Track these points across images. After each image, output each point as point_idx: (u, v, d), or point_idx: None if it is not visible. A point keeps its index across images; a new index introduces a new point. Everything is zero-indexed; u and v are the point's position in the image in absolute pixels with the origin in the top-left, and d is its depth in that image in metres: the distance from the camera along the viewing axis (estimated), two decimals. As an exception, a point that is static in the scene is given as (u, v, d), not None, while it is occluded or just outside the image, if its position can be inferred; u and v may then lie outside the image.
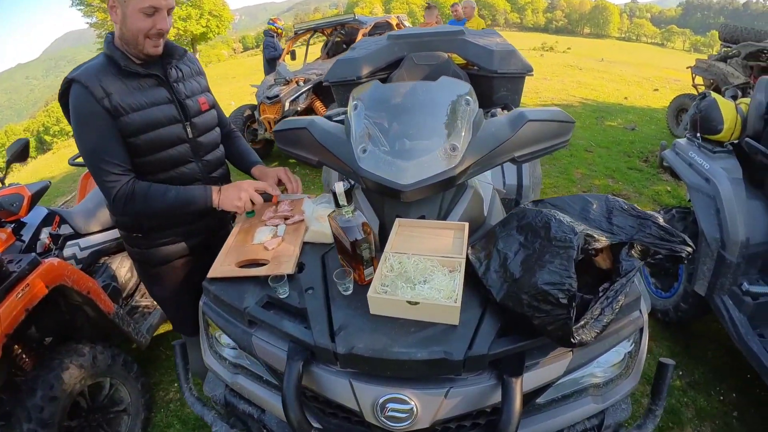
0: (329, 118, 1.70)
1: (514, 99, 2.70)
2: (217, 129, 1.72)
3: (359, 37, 5.79)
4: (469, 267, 1.16)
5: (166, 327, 2.95)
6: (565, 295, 0.93)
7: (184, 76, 1.57)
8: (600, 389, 1.19)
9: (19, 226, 2.31)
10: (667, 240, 1.09)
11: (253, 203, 1.50)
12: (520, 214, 1.19)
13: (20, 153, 2.33)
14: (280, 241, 1.41)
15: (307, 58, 7.16)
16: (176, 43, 1.58)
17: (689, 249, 1.09)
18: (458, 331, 1.04)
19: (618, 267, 1.05)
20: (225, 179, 1.75)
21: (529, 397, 1.07)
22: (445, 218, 1.35)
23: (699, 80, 6.08)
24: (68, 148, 11.65)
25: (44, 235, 2.39)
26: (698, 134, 2.51)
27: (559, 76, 11.16)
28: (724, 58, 5.51)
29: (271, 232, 1.47)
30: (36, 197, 2.25)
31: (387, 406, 1.01)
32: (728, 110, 2.38)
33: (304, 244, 1.42)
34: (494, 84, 2.62)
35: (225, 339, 1.35)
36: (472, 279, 1.14)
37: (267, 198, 1.58)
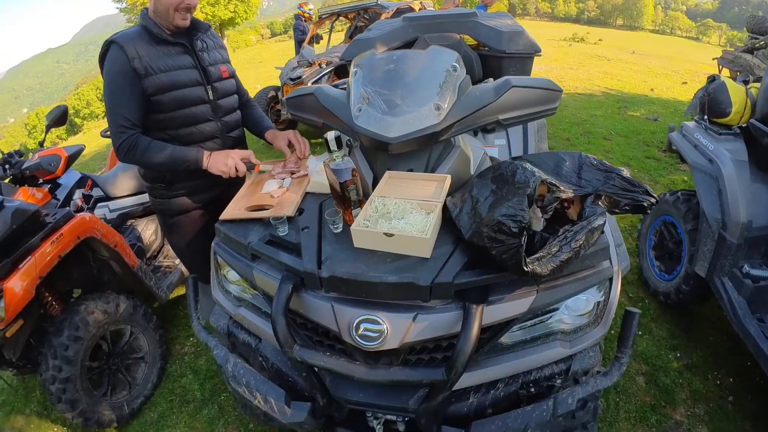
0: (336, 86, 1.83)
1: None
2: (236, 96, 1.93)
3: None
4: (446, 212, 1.27)
5: (184, 288, 3.14)
6: (517, 225, 1.02)
7: (208, 47, 1.79)
8: (568, 335, 1.28)
9: (55, 186, 2.53)
10: (629, 191, 1.18)
11: (237, 170, 1.68)
12: (496, 166, 1.29)
13: (59, 118, 2.54)
14: (285, 190, 1.58)
15: (330, 42, 7.29)
16: (200, 20, 1.80)
17: (652, 199, 1.17)
18: (429, 262, 1.16)
19: (582, 212, 1.15)
20: (241, 140, 1.97)
21: (494, 332, 1.18)
22: (432, 172, 1.45)
23: (726, 72, 5.94)
24: (98, 128, 12.09)
25: (77, 196, 2.61)
26: (705, 117, 2.51)
27: (586, 66, 10.96)
28: (750, 50, 5.39)
29: (278, 183, 1.64)
30: (72, 158, 2.47)
31: (361, 326, 1.14)
32: (737, 94, 2.37)
33: (306, 193, 1.58)
34: (503, 64, 2.69)
35: (232, 276, 1.52)
36: (449, 223, 1.26)
37: (250, 167, 1.75)
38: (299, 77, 5.44)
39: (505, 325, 1.18)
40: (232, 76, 1.90)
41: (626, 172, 1.21)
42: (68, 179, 2.60)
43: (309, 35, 6.87)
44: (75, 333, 2.07)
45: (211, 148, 1.78)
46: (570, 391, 1.21)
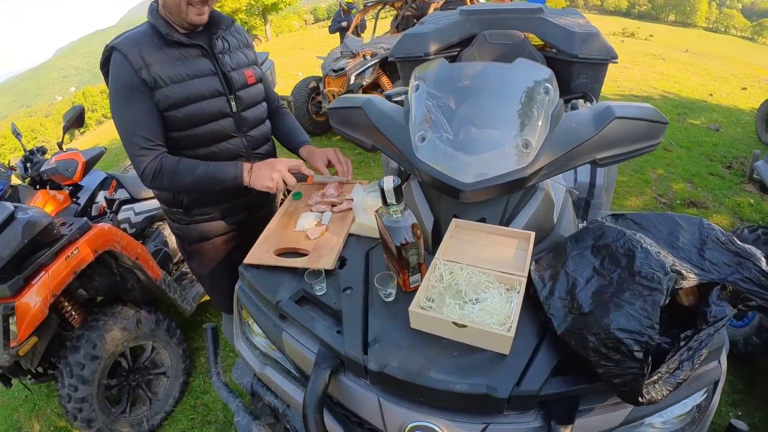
0: (389, 97, 1.55)
1: (594, 88, 2.41)
2: (264, 104, 1.63)
3: (430, 11, 5.52)
4: (530, 287, 1.00)
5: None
6: (642, 348, 0.77)
7: (231, 47, 1.48)
8: None
9: (76, 188, 2.39)
10: (766, 287, 0.88)
11: (285, 183, 1.40)
12: (598, 231, 1.00)
13: (76, 119, 2.40)
14: (324, 230, 1.32)
15: (375, 32, 6.98)
16: (223, 13, 1.50)
17: None
18: (507, 362, 0.90)
19: (705, 312, 0.85)
20: (270, 157, 1.65)
21: None
22: (508, 223, 1.18)
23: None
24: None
25: (100, 199, 2.46)
26: None
27: (640, 65, 10.28)
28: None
29: (315, 218, 1.38)
30: (90, 163, 2.30)
31: None
32: None
33: (349, 236, 1.31)
34: (573, 70, 2.36)
35: (258, 327, 1.28)
36: (532, 301, 0.98)
37: (301, 179, 1.47)
38: (342, 69, 5.18)
39: None
40: (260, 80, 1.58)
41: (764, 262, 0.92)
42: (91, 180, 2.45)
43: (353, 24, 6.57)
44: (92, 352, 1.95)
45: None
46: None
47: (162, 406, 2.33)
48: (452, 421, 0.89)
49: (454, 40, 2.58)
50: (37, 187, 2.26)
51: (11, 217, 1.71)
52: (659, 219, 1.04)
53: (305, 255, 1.24)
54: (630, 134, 1.11)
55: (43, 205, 2.17)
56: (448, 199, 1.18)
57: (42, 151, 2.38)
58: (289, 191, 1.47)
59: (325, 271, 1.15)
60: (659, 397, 0.80)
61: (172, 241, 2.76)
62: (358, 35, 6.87)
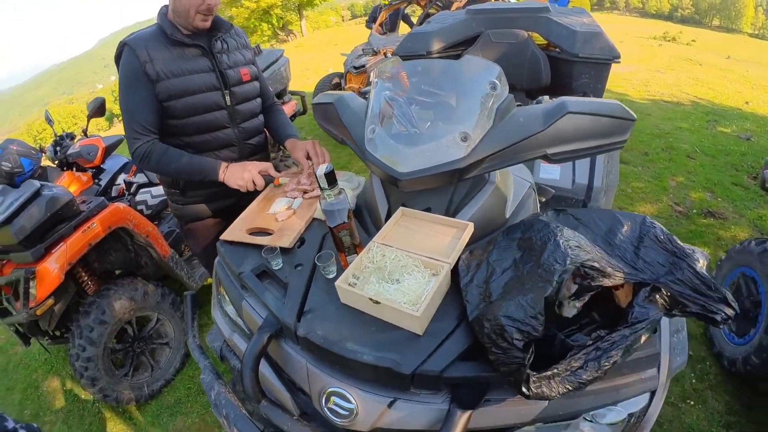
0: (363, 95, 1.67)
1: (596, 88, 2.41)
2: (258, 100, 1.80)
3: (453, 9, 5.57)
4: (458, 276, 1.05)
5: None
6: (523, 338, 0.78)
7: (229, 48, 1.67)
8: None
9: (99, 171, 2.63)
10: (701, 293, 0.83)
11: (255, 183, 1.56)
12: (528, 224, 1.03)
13: (98, 109, 2.62)
14: (291, 214, 1.44)
15: (398, 30, 7.06)
16: (224, 18, 1.68)
17: (729, 312, 0.82)
18: (421, 342, 0.95)
19: (629, 312, 0.83)
20: (261, 148, 1.85)
21: None
22: (455, 214, 1.23)
23: None
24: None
25: (120, 181, 2.69)
26: None
27: (675, 70, 9.85)
28: None
29: (287, 203, 1.51)
30: (110, 149, 2.55)
31: (331, 398, 0.99)
32: None
33: (314, 220, 1.43)
34: (575, 69, 2.38)
35: (228, 296, 1.42)
36: (458, 288, 1.03)
37: (269, 180, 1.63)
38: (363, 66, 5.30)
39: None
40: (255, 78, 1.77)
41: (702, 263, 0.87)
42: (113, 164, 2.70)
43: (378, 22, 6.67)
44: (101, 317, 2.16)
45: (227, 156, 1.70)
46: None
47: (163, 374, 2.53)
48: (364, 391, 0.96)
49: (459, 38, 2.64)
50: (64, 168, 2.51)
51: (37, 194, 1.94)
52: (600, 215, 1.03)
53: (271, 234, 1.37)
54: (587, 130, 1.09)
55: (68, 185, 2.42)
56: (398, 189, 1.25)
57: (71, 136, 2.64)
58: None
59: (285, 249, 1.27)
60: (553, 394, 0.80)
61: (184, 224, 2.98)
62: (385, 32, 6.95)
